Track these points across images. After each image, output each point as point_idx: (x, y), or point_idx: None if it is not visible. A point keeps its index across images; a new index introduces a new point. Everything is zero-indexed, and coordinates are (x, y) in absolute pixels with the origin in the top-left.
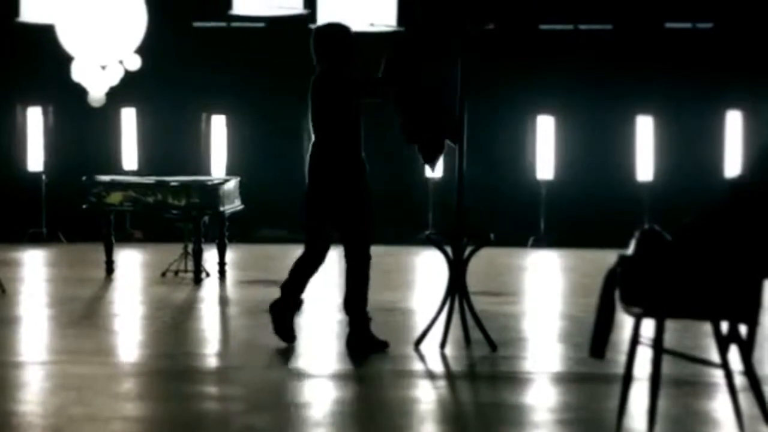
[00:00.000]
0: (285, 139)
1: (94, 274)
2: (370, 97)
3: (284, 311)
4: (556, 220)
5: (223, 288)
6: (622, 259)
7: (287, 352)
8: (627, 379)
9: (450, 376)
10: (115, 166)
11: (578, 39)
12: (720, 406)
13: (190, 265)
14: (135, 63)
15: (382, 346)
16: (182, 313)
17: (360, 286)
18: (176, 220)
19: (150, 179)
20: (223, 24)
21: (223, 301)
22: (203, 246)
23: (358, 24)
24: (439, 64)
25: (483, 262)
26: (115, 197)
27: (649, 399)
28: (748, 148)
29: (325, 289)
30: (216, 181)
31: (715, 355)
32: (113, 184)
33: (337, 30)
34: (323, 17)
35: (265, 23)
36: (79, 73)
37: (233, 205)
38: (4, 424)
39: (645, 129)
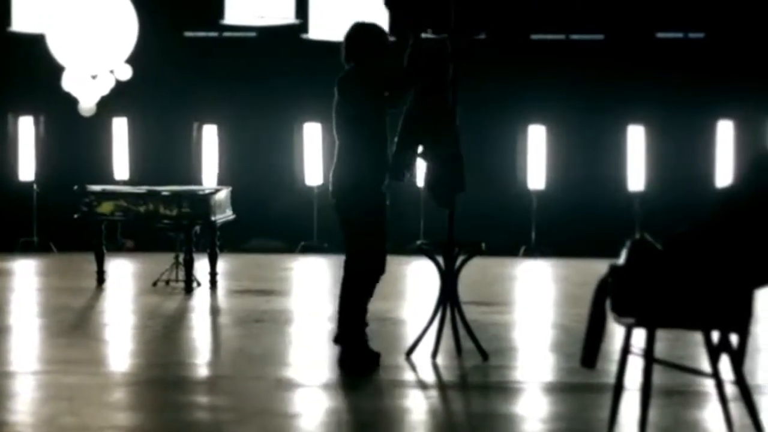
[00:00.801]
0: (277, 148)
1: (85, 283)
2: (399, 87)
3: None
4: (548, 230)
5: (214, 298)
6: (613, 269)
7: (278, 361)
8: (618, 388)
9: (441, 385)
10: (107, 176)
11: (570, 49)
12: (711, 415)
13: (182, 275)
14: (126, 73)
15: (374, 358)
16: (173, 323)
17: (350, 297)
18: (167, 229)
19: (141, 189)
20: (214, 33)
21: (214, 311)
22: (194, 255)
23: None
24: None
25: (474, 271)
26: (106, 207)
27: (639, 409)
28: (739, 158)
29: (316, 299)
30: (207, 191)
31: (706, 365)
32: (104, 194)
33: (370, 29)
34: (315, 27)
35: (256, 33)
36: (69, 83)
37: (225, 215)
38: None
39: (636, 139)
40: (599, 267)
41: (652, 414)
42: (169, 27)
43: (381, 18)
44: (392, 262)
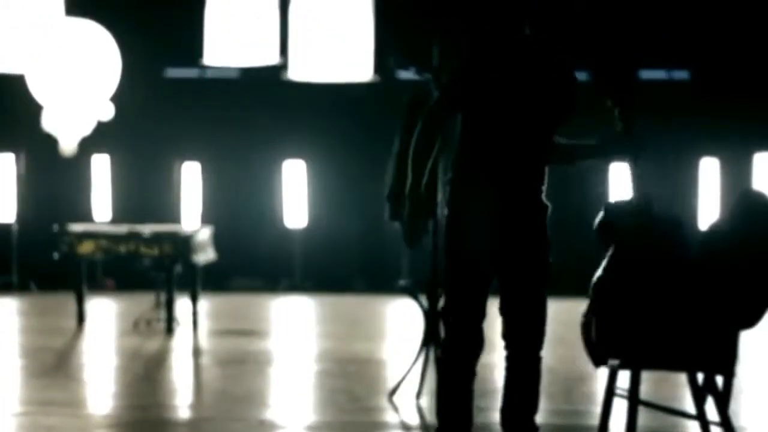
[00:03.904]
0: (259, 187)
1: (65, 323)
2: None
3: None
4: None
5: (196, 338)
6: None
7: (260, 403)
8: (602, 430)
9: (425, 427)
10: (88, 215)
11: None
12: None
13: (163, 315)
14: (108, 112)
15: None
16: (154, 364)
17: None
18: (149, 269)
19: (122, 229)
20: (196, 73)
21: (196, 352)
22: (175, 295)
23: (333, 75)
24: None
25: None
26: (87, 247)
27: None
28: (724, 196)
29: (299, 339)
30: (189, 232)
31: (691, 407)
32: (85, 234)
33: None
34: (295, 67)
35: (238, 72)
36: (49, 124)
37: (206, 255)
38: None
39: (620, 176)
40: (583, 306)
41: None
42: (151, 66)
43: (365, 60)
44: (375, 301)
